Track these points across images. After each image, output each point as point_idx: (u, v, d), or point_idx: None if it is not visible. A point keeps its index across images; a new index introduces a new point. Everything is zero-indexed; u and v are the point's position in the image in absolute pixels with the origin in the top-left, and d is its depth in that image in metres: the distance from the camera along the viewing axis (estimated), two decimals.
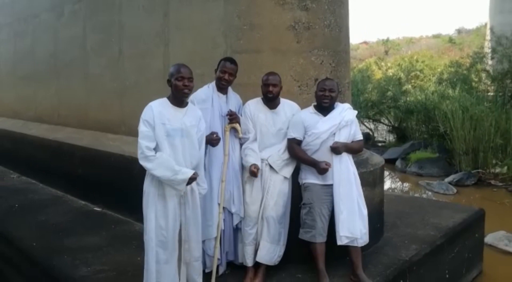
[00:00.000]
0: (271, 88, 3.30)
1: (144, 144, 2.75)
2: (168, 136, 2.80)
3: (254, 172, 3.24)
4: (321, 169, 3.20)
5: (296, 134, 3.32)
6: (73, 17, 6.19)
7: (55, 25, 6.65)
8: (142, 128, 2.78)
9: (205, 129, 3.08)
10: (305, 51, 3.70)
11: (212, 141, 3.13)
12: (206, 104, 3.27)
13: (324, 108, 3.31)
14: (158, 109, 2.81)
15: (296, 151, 3.32)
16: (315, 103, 3.40)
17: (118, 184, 4.83)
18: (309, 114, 3.36)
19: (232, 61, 3.32)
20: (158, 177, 2.78)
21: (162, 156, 2.77)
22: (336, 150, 3.22)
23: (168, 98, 2.91)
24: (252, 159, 3.29)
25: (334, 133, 3.27)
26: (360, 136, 3.43)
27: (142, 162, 2.77)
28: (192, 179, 2.81)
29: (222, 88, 3.35)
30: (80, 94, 6.16)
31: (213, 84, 3.37)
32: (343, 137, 3.28)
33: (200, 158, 3.00)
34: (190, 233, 2.94)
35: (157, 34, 4.70)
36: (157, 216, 2.83)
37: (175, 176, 2.74)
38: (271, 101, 3.39)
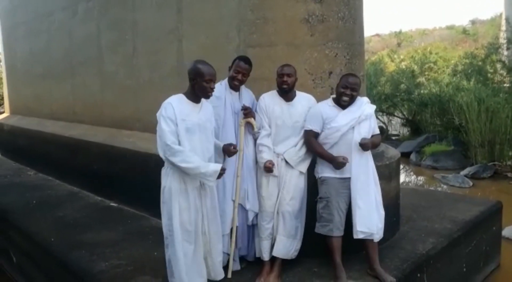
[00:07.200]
0: (285, 78, 3.26)
1: (171, 139, 2.74)
2: (188, 132, 2.81)
3: (269, 168, 3.24)
4: (338, 163, 3.17)
5: (313, 126, 3.28)
6: (87, 15, 6.23)
7: (69, 23, 6.70)
8: (164, 126, 2.76)
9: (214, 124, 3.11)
10: (319, 44, 3.67)
11: (229, 152, 3.09)
12: (219, 102, 3.24)
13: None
14: (178, 105, 2.82)
15: (314, 145, 3.28)
16: (334, 96, 3.37)
17: (134, 179, 4.88)
18: (328, 107, 3.31)
19: (246, 61, 3.27)
20: (188, 169, 2.75)
21: (185, 150, 2.79)
22: (365, 146, 3.17)
23: (185, 94, 2.92)
24: (267, 155, 3.29)
25: (354, 127, 3.23)
26: (378, 130, 3.41)
27: (171, 158, 2.74)
28: (223, 170, 2.86)
29: (234, 86, 3.33)
30: (95, 91, 6.21)
31: (225, 82, 3.34)
32: (363, 131, 3.24)
33: (213, 151, 3.05)
34: (210, 225, 2.98)
35: (170, 30, 4.71)
36: (181, 210, 2.85)
37: (206, 168, 2.77)
38: (286, 93, 3.35)
